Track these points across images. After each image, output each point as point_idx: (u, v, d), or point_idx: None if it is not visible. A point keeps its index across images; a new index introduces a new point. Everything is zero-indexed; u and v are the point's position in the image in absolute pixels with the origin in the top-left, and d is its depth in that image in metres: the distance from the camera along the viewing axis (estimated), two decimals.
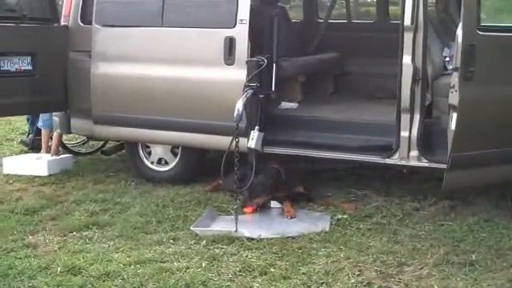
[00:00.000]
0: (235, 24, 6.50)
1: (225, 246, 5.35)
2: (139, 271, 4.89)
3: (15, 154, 8.62)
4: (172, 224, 5.91)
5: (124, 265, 5.00)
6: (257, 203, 6.22)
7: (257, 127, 6.29)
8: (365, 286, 4.65)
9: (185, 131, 6.84)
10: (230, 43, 6.53)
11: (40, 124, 8.28)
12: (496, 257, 5.09)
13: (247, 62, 6.42)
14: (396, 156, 6.19)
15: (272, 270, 4.89)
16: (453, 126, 5.42)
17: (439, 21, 7.85)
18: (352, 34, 8.67)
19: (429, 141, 6.15)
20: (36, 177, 7.50)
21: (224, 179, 6.40)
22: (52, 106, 7.50)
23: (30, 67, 7.11)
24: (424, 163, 6.12)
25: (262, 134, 6.30)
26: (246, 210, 6.16)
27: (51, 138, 8.17)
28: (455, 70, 5.45)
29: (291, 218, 6.04)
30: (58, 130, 7.85)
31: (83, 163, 8.24)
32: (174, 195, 6.73)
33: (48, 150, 8.13)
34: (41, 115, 8.22)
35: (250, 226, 5.76)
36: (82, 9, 7.44)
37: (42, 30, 7.24)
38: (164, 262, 5.05)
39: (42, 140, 8.27)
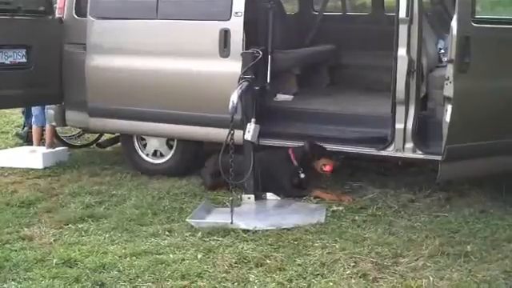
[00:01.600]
0: (230, 16, 6.50)
1: (220, 238, 5.36)
2: (135, 263, 4.89)
3: (10, 147, 8.61)
4: (167, 216, 5.91)
5: (120, 257, 5.00)
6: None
7: (253, 119, 6.29)
8: (360, 277, 4.65)
9: (180, 123, 6.84)
10: (225, 35, 6.53)
11: (33, 120, 8.27)
12: (491, 248, 5.11)
13: (242, 55, 6.41)
14: (391, 148, 6.21)
15: (268, 261, 4.90)
16: (448, 117, 5.43)
17: (434, 13, 7.87)
18: (347, 26, 8.68)
19: (424, 133, 6.16)
20: (31, 169, 7.49)
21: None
22: (47, 99, 7.49)
23: (24, 60, 7.11)
24: (419, 155, 6.14)
25: (258, 126, 6.30)
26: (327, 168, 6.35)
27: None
28: (450, 62, 5.46)
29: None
30: (53, 123, 7.84)
31: (78, 156, 8.24)
32: (169, 187, 6.73)
33: (41, 144, 8.12)
34: (32, 110, 8.21)
35: (246, 218, 5.77)
36: (76, 1, 7.45)
37: (36, 23, 7.22)
38: (160, 254, 5.06)
39: (34, 136, 8.26)
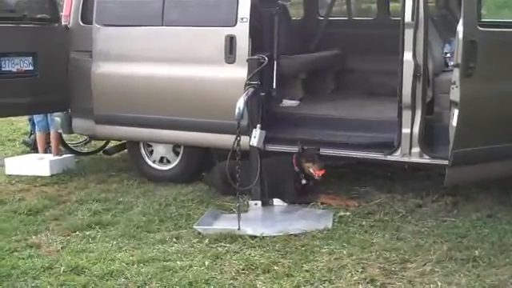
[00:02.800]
0: (236, 22, 6.51)
1: (228, 245, 5.35)
2: (142, 270, 4.89)
3: (17, 155, 8.64)
4: (175, 223, 5.92)
5: (127, 264, 5.00)
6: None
7: (258, 125, 6.29)
8: (368, 282, 4.64)
9: (186, 130, 6.85)
10: (231, 41, 6.53)
11: (36, 127, 8.28)
12: (499, 252, 5.08)
13: (248, 60, 6.42)
14: (398, 153, 6.19)
15: (275, 267, 4.89)
16: (454, 122, 5.42)
17: (440, 17, 7.84)
18: (353, 30, 8.66)
19: (430, 137, 6.15)
20: (38, 177, 7.51)
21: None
22: (54, 106, 7.51)
23: (31, 67, 7.14)
24: (426, 159, 6.12)
25: (264, 132, 6.30)
26: (317, 172, 6.32)
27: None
28: (456, 66, 5.45)
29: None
30: (60, 130, 7.86)
31: (85, 163, 8.25)
32: (176, 194, 6.73)
33: (47, 150, 8.14)
34: (34, 117, 8.22)
35: (253, 224, 5.77)
36: (82, 9, 7.47)
37: (42, 30, 7.25)
38: (167, 261, 5.06)
39: (38, 143, 8.27)
